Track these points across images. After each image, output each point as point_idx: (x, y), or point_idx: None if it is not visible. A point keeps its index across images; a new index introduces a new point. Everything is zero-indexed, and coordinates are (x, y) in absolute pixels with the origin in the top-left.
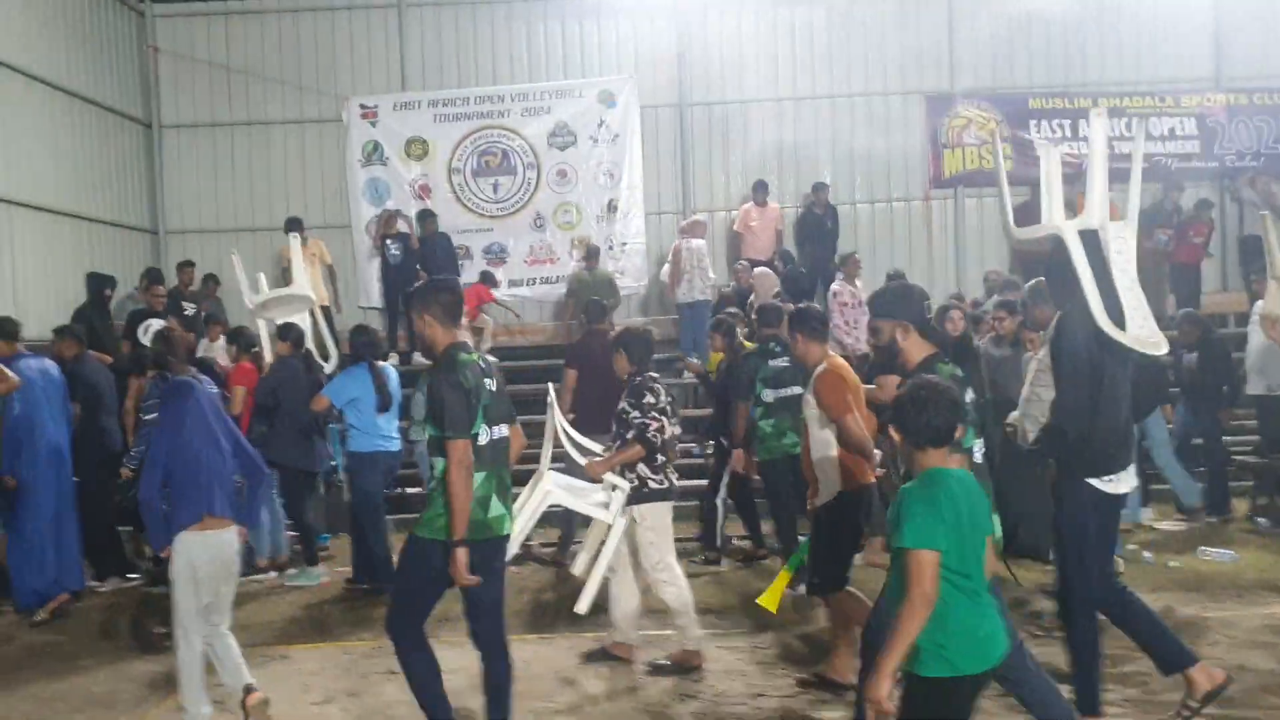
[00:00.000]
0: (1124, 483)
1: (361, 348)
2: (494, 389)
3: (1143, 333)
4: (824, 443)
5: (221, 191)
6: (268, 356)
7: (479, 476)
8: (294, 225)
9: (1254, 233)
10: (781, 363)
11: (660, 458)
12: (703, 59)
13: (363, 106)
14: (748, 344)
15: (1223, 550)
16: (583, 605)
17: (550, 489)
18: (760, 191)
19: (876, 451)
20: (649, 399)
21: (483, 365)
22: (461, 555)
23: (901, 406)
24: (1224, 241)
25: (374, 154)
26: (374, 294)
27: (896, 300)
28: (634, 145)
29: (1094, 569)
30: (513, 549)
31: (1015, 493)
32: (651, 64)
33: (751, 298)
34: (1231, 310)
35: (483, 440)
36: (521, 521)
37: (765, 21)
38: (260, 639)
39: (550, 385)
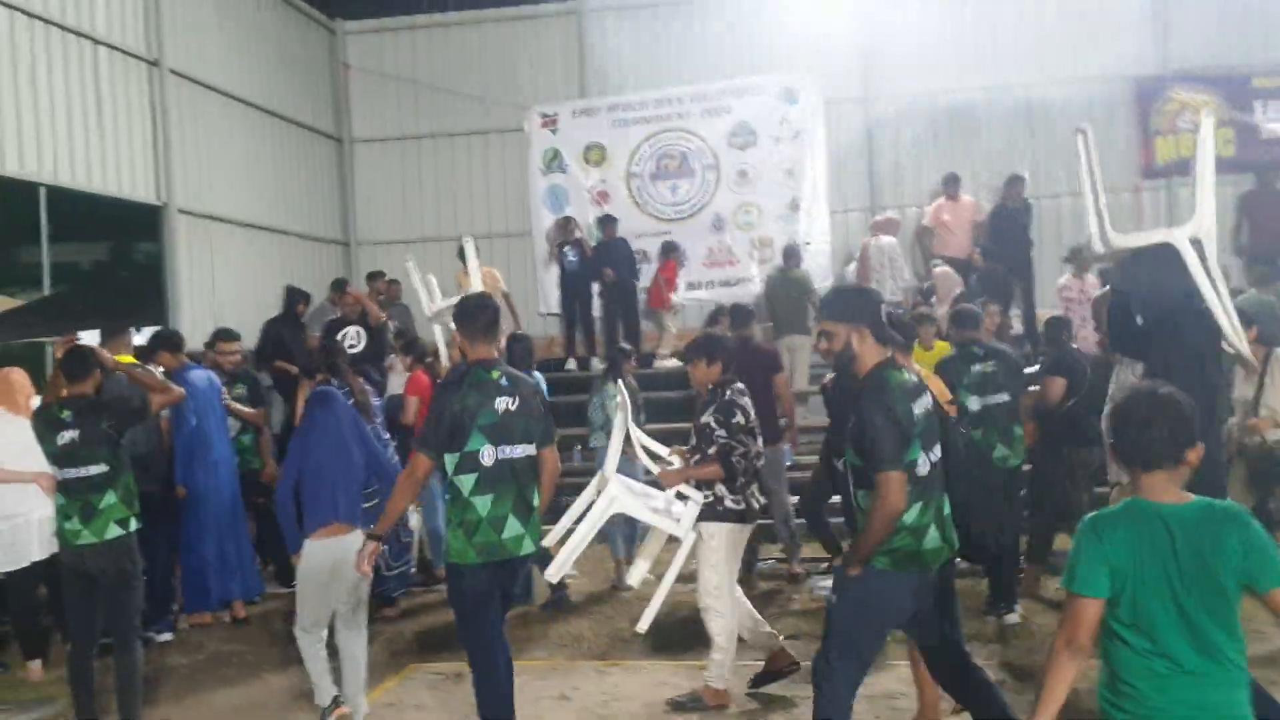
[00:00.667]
0: None
1: (518, 356)
2: (509, 407)
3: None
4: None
5: (409, 202)
6: (445, 364)
7: (485, 497)
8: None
9: None
10: (988, 366)
11: (741, 479)
12: (887, 50)
13: (543, 115)
14: (940, 344)
15: None
16: (644, 623)
17: (617, 494)
18: (952, 184)
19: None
20: (738, 419)
21: (504, 383)
22: (372, 546)
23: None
24: None
25: (554, 161)
26: (552, 301)
27: (852, 302)
28: (817, 141)
29: None
30: (565, 566)
31: (973, 496)
32: (834, 58)
33: (933, 299)
34: None
35: (486, 460)
36: (584, 530)
37: (952, 6)
38: (431, 652)
39: (620, 386)
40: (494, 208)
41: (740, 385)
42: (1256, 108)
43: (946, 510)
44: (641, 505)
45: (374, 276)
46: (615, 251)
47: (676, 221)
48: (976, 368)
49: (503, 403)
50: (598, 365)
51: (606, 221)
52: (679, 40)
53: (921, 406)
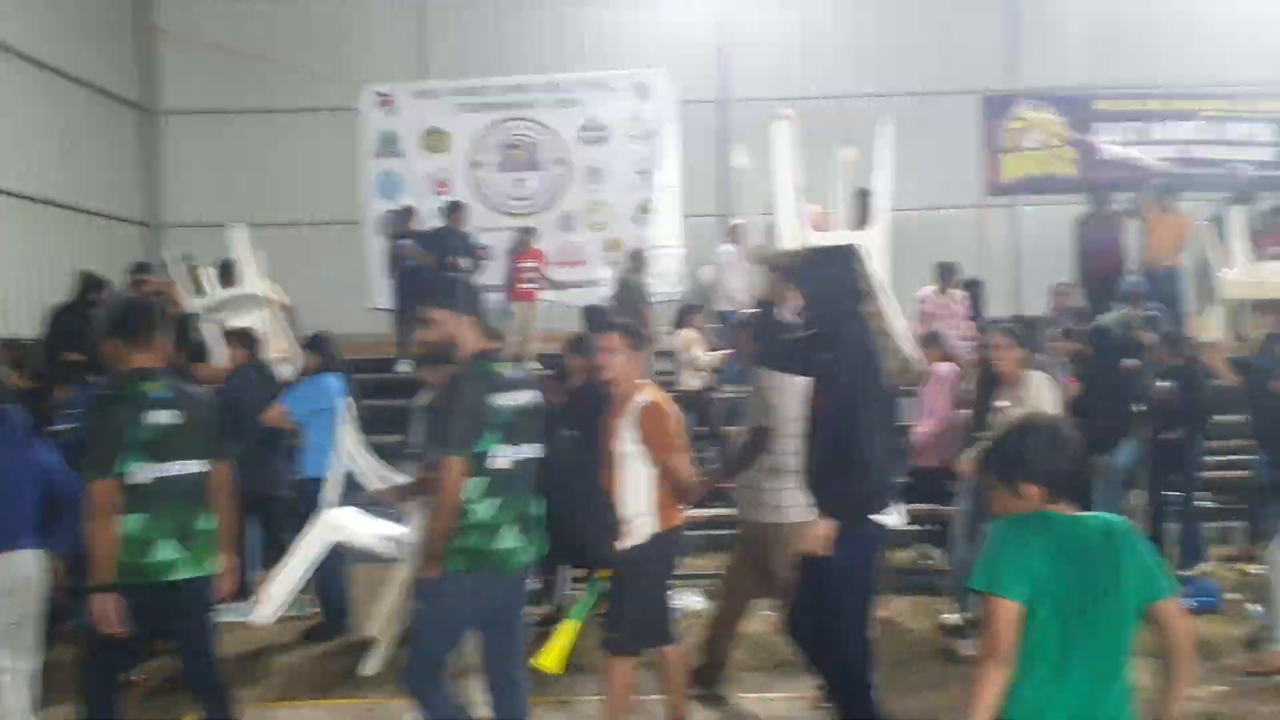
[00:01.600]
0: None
1: (326, 356)
2: (172, 421)
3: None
4: (640, 482)
5: (225, 182)
6: (218, 364)
7: (141, 517)
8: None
9: None
10: None
11: None
12: (744, 53)
13: (379, 94)
14: None
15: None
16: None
17: (335, 523)
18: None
19: None
20: None
21: (164, 396)
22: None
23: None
24: None
25: (388, 145)
26: (385, 296)
27: (457, 291)
28: (670, 142)
29: None
30: (278, 605)
31: (570, 499)
32: (689, 57)
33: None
34: None
35: (144, 478)
36: (295, 565)
37: (811, 13)
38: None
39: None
40: (321, 192)
41: None
42: (1098, 129)
43: (535, 512)
44: (366, 533)
45: (142, 269)
46: (457, 241)
47: (522, 217)
48: None
49: (161, 416)
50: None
51: (455, 208)
52: (530, 25)
53: (515, 400)
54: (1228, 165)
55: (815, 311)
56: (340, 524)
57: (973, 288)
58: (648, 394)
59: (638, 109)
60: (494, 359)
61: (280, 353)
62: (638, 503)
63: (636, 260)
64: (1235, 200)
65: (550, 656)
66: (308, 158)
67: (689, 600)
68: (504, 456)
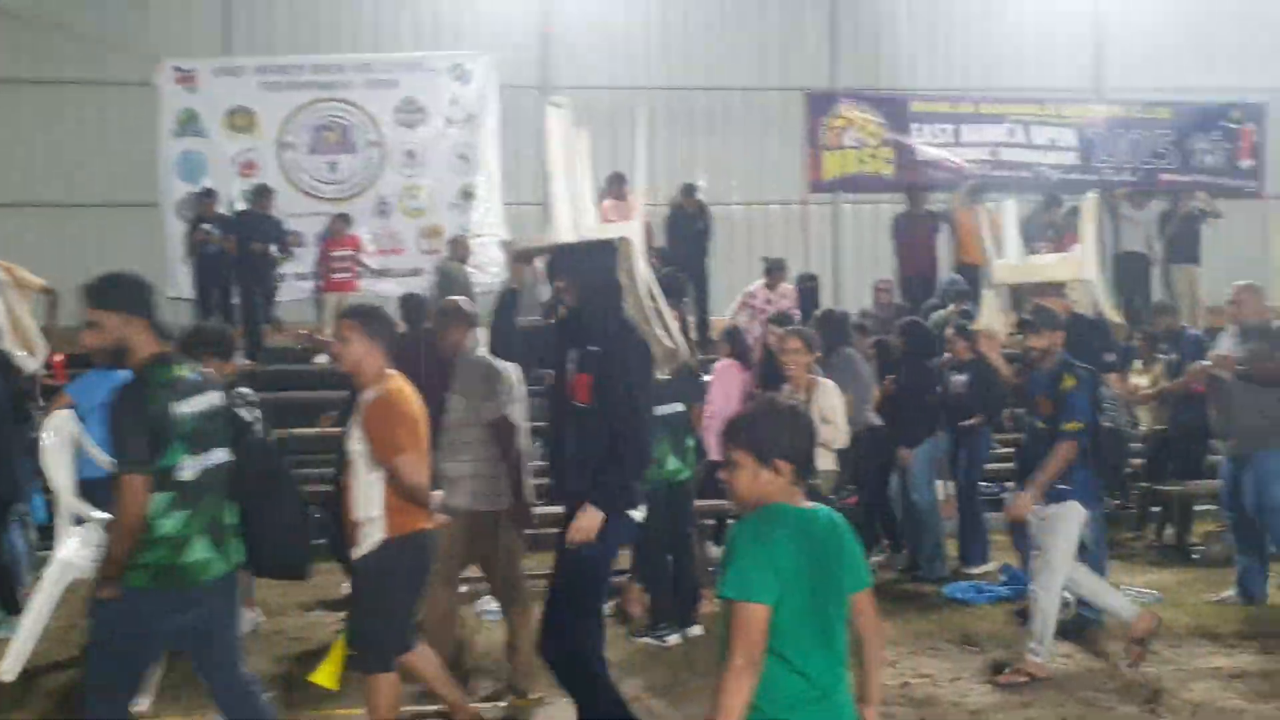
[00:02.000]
0: None
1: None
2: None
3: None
4: (369, 484)
5: (3, 158)
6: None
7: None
8: None
9: (1131, 249)
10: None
11: None
12: (568, 39)
13: (178, 70)
14: None
15: (1144, 590)
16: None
17: (68, 558)
18: (616, 183)
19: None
20: None
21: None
22: None
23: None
24: (1102, 257)
25: (189, 124)
26: (185, 285)
27: (127, 291)
28: (491, 128)
29: None
30: (20, 657)
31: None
32: (511, 41)
33: None
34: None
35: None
36: (34, 613)
37: (638, 3)
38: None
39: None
40: (113, 172)
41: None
42: (914, 130)
43: (230, 520)
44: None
45: None
46: (264, 227)
47: (336, 201)
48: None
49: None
50: (238, 360)
51: (261, 192)
52: (343, 3)
53: (197, 406)
54: (1034, 168)
55: (583, 303)
56: (72, 560)
57: (806, 283)
58: (383, 387)
59: (457, 92)
60: (170, 363)
61: (18, 343)
62: (368, 507)
63: (457, 248)
64: (1047, 203)
65: (324, 672)
66: (101, 134)
67: (490, 605)
68: (190, 467)
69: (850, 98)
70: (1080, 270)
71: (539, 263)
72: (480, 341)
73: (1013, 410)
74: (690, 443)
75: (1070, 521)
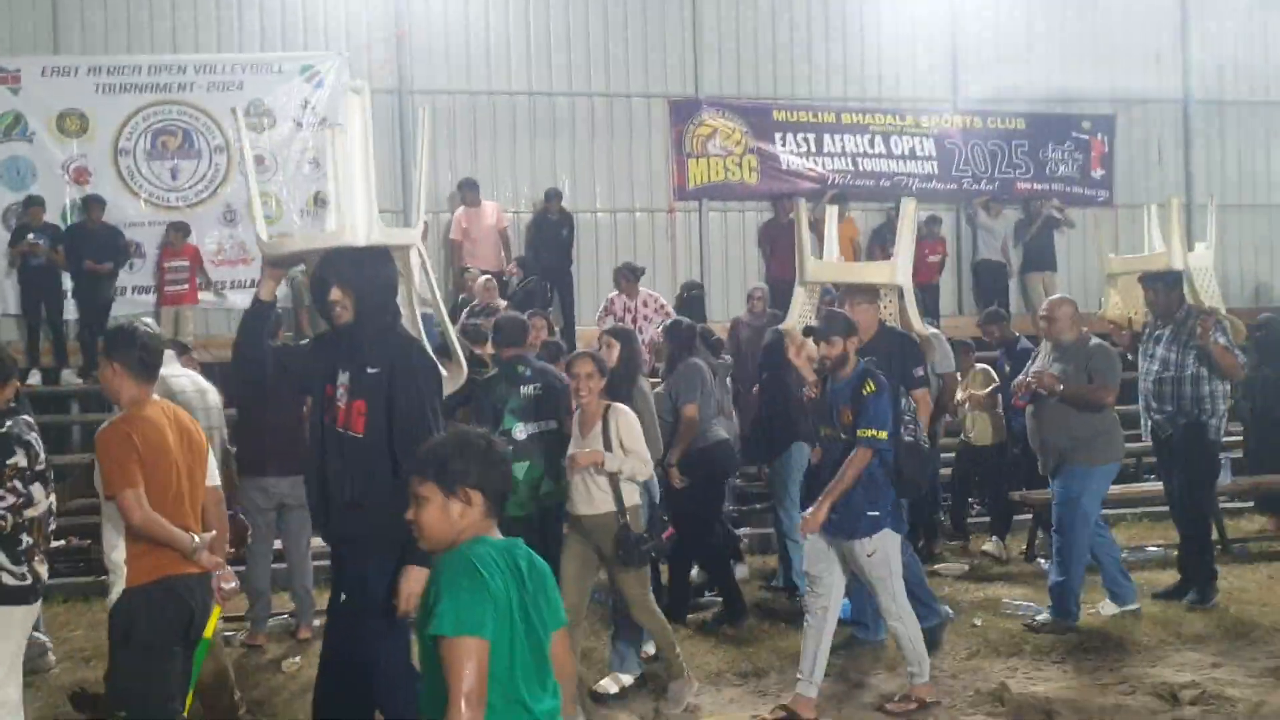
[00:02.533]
0: None
1: None
2: None
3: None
4: (109, 521)
5: None
6: None
7: None
8: None
9: (988, 257)
10: (533, 389)
11: (26, 540)
12: (425, 41)
13: (0, 69)
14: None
15: (1027, 602)
16: None
17: None
18: (470, 191)
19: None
20: (16, 458)
21: None
22: None
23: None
24: (959, 265)
25: (14, 128)
26: (10, 299)
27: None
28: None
29: None
30: None
31: None
32: (365, 43)
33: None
34: (969, 335)
35: None
36: None
37: (497, 6)
38: None
39: None
40: None
41: (28, 417)
42: (777, 138)
43: None
44: None
45: None
46: (99, 239)
47: (179, 209)
48: (525, 389)
49: None
50: (70, 380)
51: (91, 202)
52: (182, 1)
53: None
54: (894, 177)
55: (361, 318)
56: None
57: (691, 292)
58: (128, 414)
59: (309, 95)
60: None
61: None
62: (110, 549)
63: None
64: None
65: None
66: None
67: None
68: None
69: (714, 105)
70: (894, 275)
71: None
72: None
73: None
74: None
75: (892, 550)
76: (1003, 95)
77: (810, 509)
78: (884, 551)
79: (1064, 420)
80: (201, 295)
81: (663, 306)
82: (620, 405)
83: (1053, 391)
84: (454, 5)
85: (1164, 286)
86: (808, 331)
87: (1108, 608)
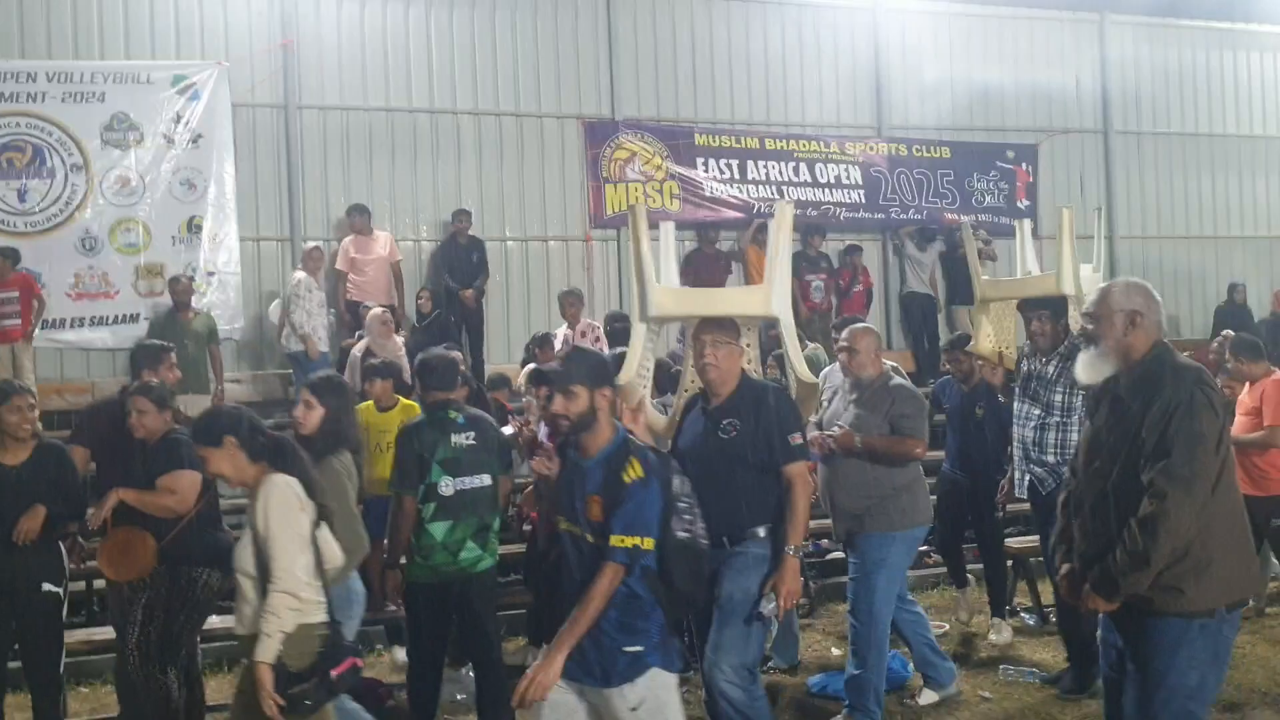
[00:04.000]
0: None
1: None
2: None
3: None
4: None
5: None
6: None
7: None
8: None
9: (916, 289)
10: (465, 439)
11: None
12: (315, 53)
13: None
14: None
15: (1023, 668)
16: None
17: None
18: (359, 216)
19: None
20: None
21: None
22: None
23: None
24: (885, 296)
25: None
26: None
27: None
28: (224, 151)
29: None
30: None
31: None
32: (248, 53)
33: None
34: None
35: None
36: None
37: (395, 16)
38: None
39: None
40: None
41: None
42: (699, 164)
43: None
44: None
45: None
46: None
47: (28, 236)
48: (456, 439)
49: None
50: None
51: None
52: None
53: None
54: (820, 207)
55: None
56: None
57: (617, 324)
58: None
59: (181, 109)
60: None
61: None
62: None
63: (178, 290)
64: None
65: None
66: None
67: None
68: None
69: (632, 128)
70: (768, 306)
71: None
72: None
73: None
74: (495, 523)
75: (667, 698)
76: (928, 123)
77: (538, 660)
78: (656, 701)
79: (859, 477)
80: (50, 333)
81: (599, 339)
82: (278, 476)
83: (852, 451)
84: (347, 13)
85: (1049, 315)
86: (536, 377)
87: (926, 696)
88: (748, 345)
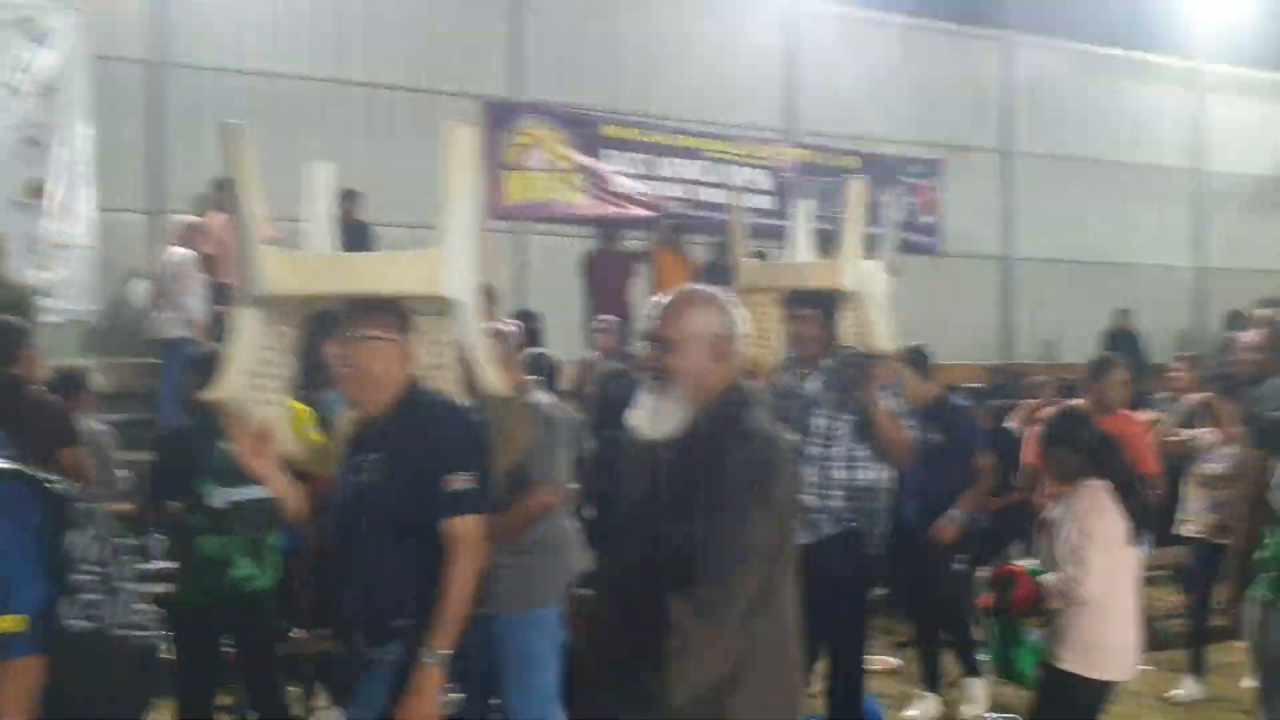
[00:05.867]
0: None
1: None
2: None
3: None
4: None
5: None
6: None
7: None
8: None
9: None
10: None
11: None
12: (188, 6)
13: None
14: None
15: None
16: None
17: None
18: (224, 190)
19: None
20: None
21: None
22: None
23: None
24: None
25: None
26: None
27: None
28: (79, 108)
29: None
30: None
31: None
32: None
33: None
34: None
35: None
36: None
37: None
38: None
39: None
40: None
41: None
42: (604, 156)
43: None
44: None
45: None
46: None
47: None
48: (225, 445)
49: None
50: None
51: None
52: None
53: None
54: (731, 210)
55: None
56: None
57: (528, 324)
58: None
59: (29, 57)
60: None
61: None
62: None
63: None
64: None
65: None
66: None
67: None
68: None
69: (536, 112)
70: (437, 282)
71: None
72: None
73: None
74: (273, 540)
75: None
76: (838, 130)
77: None
78: None
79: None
80: None
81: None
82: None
83: None
84: None
85: (821, 313)
86: None
87: None
88: (444, 342)
